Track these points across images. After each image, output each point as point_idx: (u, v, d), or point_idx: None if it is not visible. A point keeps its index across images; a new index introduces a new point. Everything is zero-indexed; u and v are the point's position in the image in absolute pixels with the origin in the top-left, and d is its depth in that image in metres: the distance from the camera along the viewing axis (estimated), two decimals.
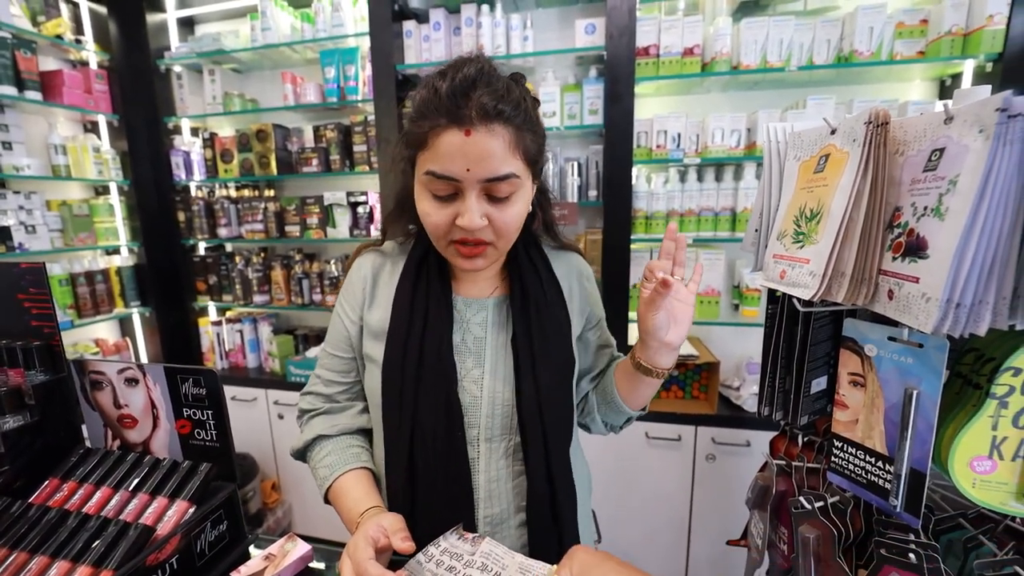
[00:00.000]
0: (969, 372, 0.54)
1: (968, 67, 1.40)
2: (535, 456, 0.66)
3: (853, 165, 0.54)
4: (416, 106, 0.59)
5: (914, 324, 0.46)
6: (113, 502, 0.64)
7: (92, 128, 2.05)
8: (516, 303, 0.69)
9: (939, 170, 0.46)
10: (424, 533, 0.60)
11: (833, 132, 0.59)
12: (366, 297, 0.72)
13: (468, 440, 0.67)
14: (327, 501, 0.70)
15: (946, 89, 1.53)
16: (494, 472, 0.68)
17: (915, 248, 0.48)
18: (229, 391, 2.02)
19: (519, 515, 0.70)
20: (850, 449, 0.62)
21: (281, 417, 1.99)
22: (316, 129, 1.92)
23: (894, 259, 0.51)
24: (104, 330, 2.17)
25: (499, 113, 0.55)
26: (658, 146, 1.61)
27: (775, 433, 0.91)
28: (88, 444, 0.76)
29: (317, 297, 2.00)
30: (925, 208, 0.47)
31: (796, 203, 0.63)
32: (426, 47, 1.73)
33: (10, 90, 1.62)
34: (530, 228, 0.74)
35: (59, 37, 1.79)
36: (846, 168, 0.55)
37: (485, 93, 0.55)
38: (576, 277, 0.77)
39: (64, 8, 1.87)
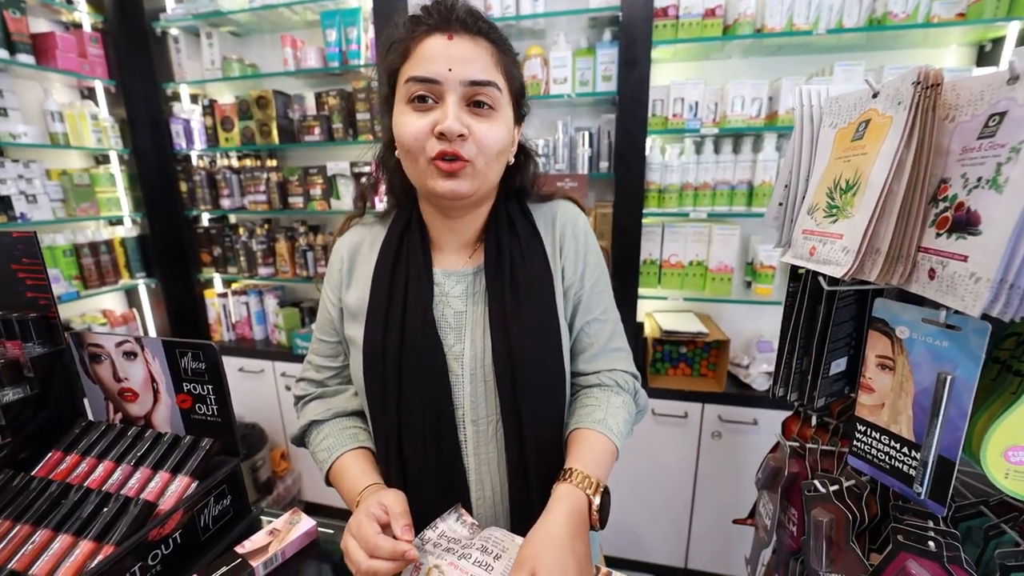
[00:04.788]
0: (1009, 358, 0.51)
1: (1013, 29, 1.30)
2: (510, 433, 0.63)
3: (896, 131, 0.50)
4: (400, 29, 0.59)
5: (959, 306, 0.43)
6: (115, 476, 0.63)
7: (89, 94, 1.99)
8: (491, 263, 0.65)
9: (998, 136, 0.42)
10: (419, 517, 0.59)
11: (875, 95, 0.54)
12: (343, 278, 0.70)
13: (456, 422, 0.64)
14: (329, 484, 0.69)
15: (985, 55, 1.44)
16: (483, 456, 0.65)
17: (964, 223, 0.43)
18: (237, 363, 2.03)
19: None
20: (874, 434, 0.59)
21: (288, 388, 2.00)
22: (318, 96, 1.85)
23: (938, 235, 0.47)
24: (111, 301, 2.17)
25: (479, 29, 0.57)
26: (674, 115, 1.53)
27: (783, 412, 0.89)
28: (91, 417, 0.75)
29: (322, 270, 1.98)
30: (979, 179, 0.43)
31: (830, 174, 0.58)
32: None
33: (1, 53, 1.56)
34: (511, 184, 0.70)
35: None
36: (888, 134, 0.50)
37: (467, 10, 0.57)
38: (560, 227, 0.69)
39: None
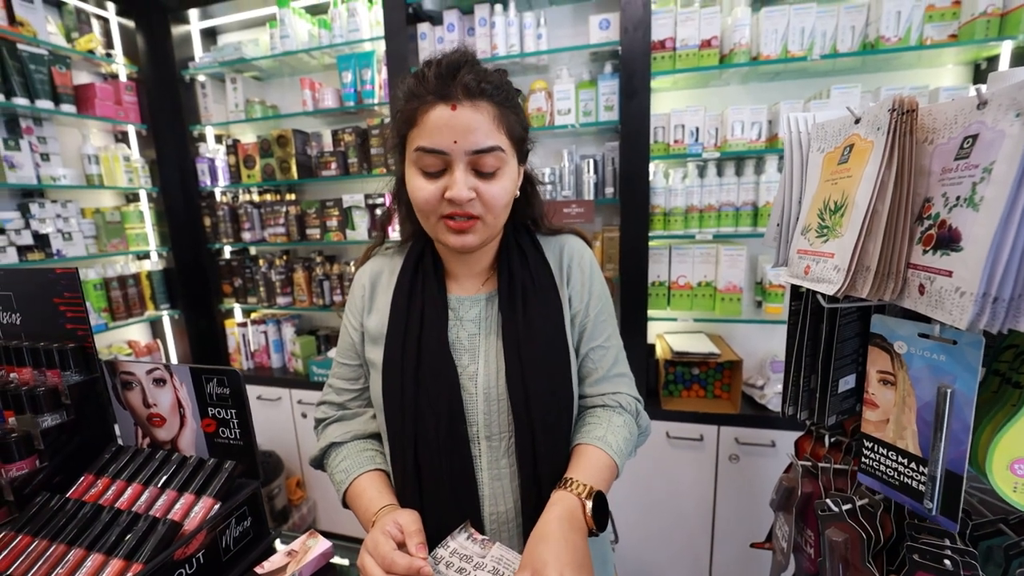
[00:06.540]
0: (1008, 370, 0.52)
1: (1005, 49, 1.33)
2: (524, 449, 0.65)
3: (877, 155, 0.52)
4: (406, 91, 0.62)
5: (947, 320, 0.44)
6: (143, 498, 0.66)
7: (122, 138, 2.13)
8: (504, 290, 0.69)
9: (972, 158, 0.44)
10: (432, 532, 0.61)
11: (857, 121, 0.57)
12: (365, 304, 0.74)
13: (469, 438, 0.67)
14: (345, 505, 0.71)
15: (981, 73, 1.46)
16: (496, 471, 0.67)
17: (947, 240, 0.45)
18: (255, 391, 2.07)
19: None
20: (881, 450, 0.59)
21: (304, 416, 2.03)
22: (334, 133, 1.95)
23: (924, 252, 0.48)
24: (136, 332, 2.25)
25: (482, 91, 0.59)
26: (676, 141, 1.58)
27: (801, 433, 0.88)
28: (120, 442, 0.79)
29: (338, 298, 2.04)
30: (958, 198, 0.45)
31: (820, 196, 0.61)
32: (440, 48, 1.73)
33: (47, 104, 1.69)
34: (520, 216, 0.75)
35: (91, 52, 1.86)
36: (870, 158, 0.53)
37: (469, 74, 0.59)
38: (567, 259, 0.73)
39: (95, 24, 1.95)
